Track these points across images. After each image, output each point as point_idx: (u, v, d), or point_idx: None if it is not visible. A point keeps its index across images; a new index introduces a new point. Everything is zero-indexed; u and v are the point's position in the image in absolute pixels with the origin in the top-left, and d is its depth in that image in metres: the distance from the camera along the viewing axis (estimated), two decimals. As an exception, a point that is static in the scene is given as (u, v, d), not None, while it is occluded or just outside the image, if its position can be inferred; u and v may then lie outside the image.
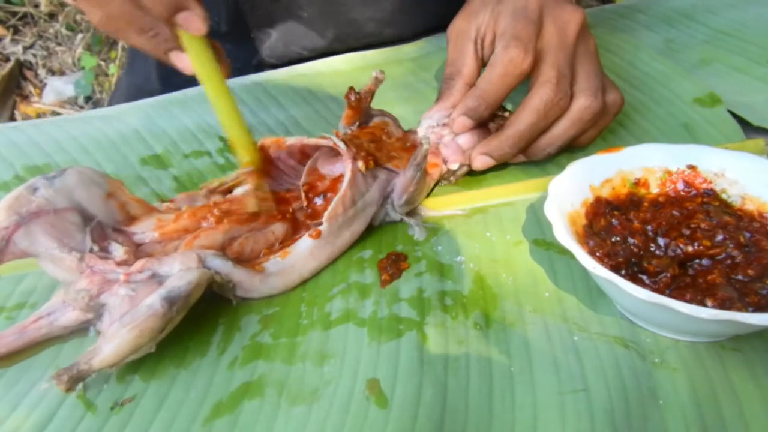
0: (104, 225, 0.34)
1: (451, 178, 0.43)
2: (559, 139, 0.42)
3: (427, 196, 0.42)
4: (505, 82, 0.40)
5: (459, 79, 0.44)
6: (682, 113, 0.48)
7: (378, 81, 0.40)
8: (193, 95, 0.54)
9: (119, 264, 0.32)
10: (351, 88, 0.39)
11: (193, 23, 0.34)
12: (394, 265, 0.36)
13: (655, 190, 0.37)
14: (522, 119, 0.40)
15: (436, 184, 0.43)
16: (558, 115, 0.41)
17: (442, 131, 0.42)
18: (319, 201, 0.38)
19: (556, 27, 0.41)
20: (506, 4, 0.43)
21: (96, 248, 0.32)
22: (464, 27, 0.45)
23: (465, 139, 0.42)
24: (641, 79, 0.52)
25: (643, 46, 0.56)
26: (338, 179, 0.38)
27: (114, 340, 0.28)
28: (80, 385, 0.30)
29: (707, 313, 0.28)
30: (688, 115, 0.48)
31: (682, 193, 0.37)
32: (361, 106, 0.40)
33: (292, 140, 0.39)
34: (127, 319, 0.29)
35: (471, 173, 0.44)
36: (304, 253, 0.35)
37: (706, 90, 0.49)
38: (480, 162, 0.41)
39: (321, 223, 0.36)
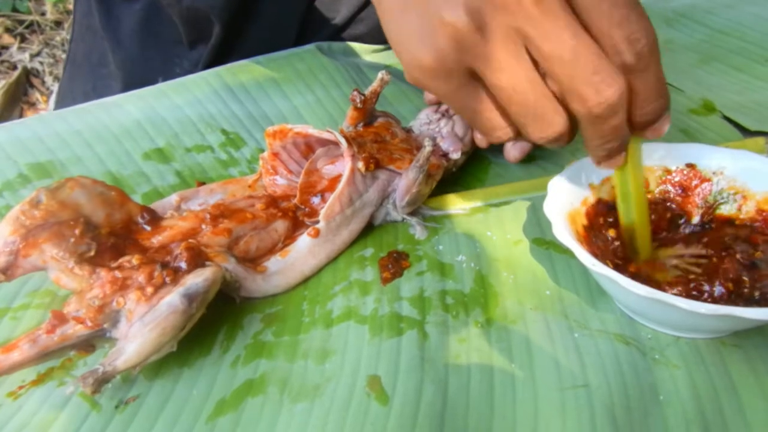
0: (110, 233, 0.34)
1: (453, 169, 0.43)
2: None
3: (430, 196, 0.42)
4: None
5: None
6: (680, 121, 0.48)
7: (384, 82, 0.40)
8: (192, 79, 0.53)
9: (129, 270, 0.32)
10: (356, 90, 0.40)
11: (664, 127, 0.30)
12: (395, 264, 0.37)
13: (654, 188, 0.38)
14: None
15: (440, 181, 0.43)
16: None
17: (439, 125, 0.43)
18: (316, 200, 0.38)
19: None
20: None
21: (104, 256, 0.33)
22: None
23: (460, 127, 0.43)
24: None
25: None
26: (337, 179, 0.38)
27: (136, 340, 0.29)
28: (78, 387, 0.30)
29: (706, 308, 0.28)
30: (685, 122, 0.48)
31: (679, 198, 0.37)
32: (366, 107, 0.40)
33: (297, 128, 0.39)
34: (148, 318, 0.29)
35: (472, 174, 0.44)
36: (304, 251, 0.36)
37: (700, 101, 0.50)
38: (517, 150, 0.41)
39: (318, 221, 0.36)
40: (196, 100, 0.51)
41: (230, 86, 0.53)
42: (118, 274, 0.31)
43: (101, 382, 0.28)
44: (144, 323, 0.29)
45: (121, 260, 0.32)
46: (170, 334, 0.29)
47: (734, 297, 0.31)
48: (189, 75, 0.54)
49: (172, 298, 0.30)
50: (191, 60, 0.61)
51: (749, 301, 0.31)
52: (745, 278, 0.31)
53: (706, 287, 0.31)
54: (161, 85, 0.53)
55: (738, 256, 0.32)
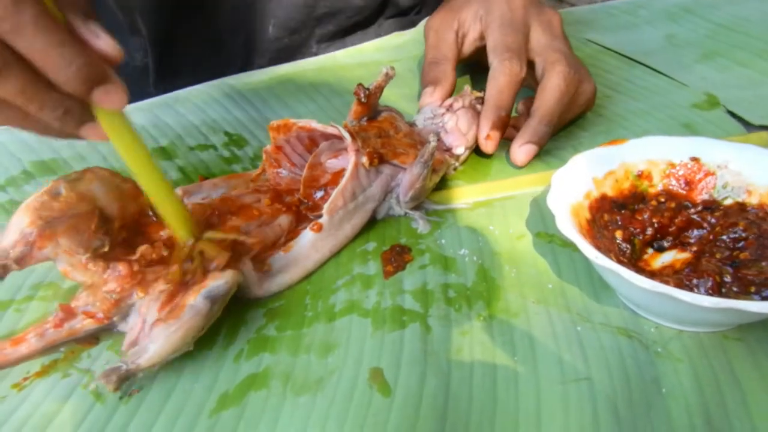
0: (124, 226, 0.34)
1: (457, 164, 0.43)
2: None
3: (433, 190, 0.42)
4: (512, 90, 0.44)
5: (447, 63, 0.47)
6: (683, 116, 0.48)
7: (388, 77, 0.40)
8: (196, 93, 0.54)
9: (143, 265, 0.32)
10: (360, 85, 0.40)
11: (115, 97, 0.28)
12: (398, 258, 0.37)
13: (658, 182, 0.38)
14: (549, 97, 0.43)
15: (443, 176, 0.43)
16: (577, 85, 0.44)
17: (443, 120, 0.43)
18: (319, 194, 0.38)
19: (542, 27, 0.46)
20: (493, 14, 0.46)
21: (119, 250, 0.33)
22: (446, 19, 0.49)
23: (464, 123, 0.43)
24: (638, 92, 0.52)
25: (636, 63, 0.56)
26: (340, 173, 0.38)
27: (159, 340, 0.29)
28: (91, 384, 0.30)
29: (709, 301, 0.28)
30: (688, 117, 0.48)
31: (683, 191, 0.37)
32: (370, 102, 0.40)
33: (301, 122, 0.39)
34: (172, 321, 0.30)
35: (475, 168, 0.44)
36: (307, 246, 0.36)
37: (703, 96, 0.50)
38: (523, 153, 0.42)
39: (321, 215, 0.36)
40: (198, 109, 0.52)
41: (233, 97, 0.53)
42: (136, 268, 0.32)
43: (124, 379, 0.28)
44: (168, 326, 0.29)
45: (138, 253, 0.32)
46: (192, 335, 0.30)
47: (726, 291, 0.31)
48: (190, 87, 0.55)
49: (196, 300, 0.30)
50: (136, 48, 0.61)
51: (744, 296, 0.31)
52: (729, 278, 0.31)
53: (696, 281, 0.31)
54: (165, 97, 0.54)
55: (718, 256, 0.33)
